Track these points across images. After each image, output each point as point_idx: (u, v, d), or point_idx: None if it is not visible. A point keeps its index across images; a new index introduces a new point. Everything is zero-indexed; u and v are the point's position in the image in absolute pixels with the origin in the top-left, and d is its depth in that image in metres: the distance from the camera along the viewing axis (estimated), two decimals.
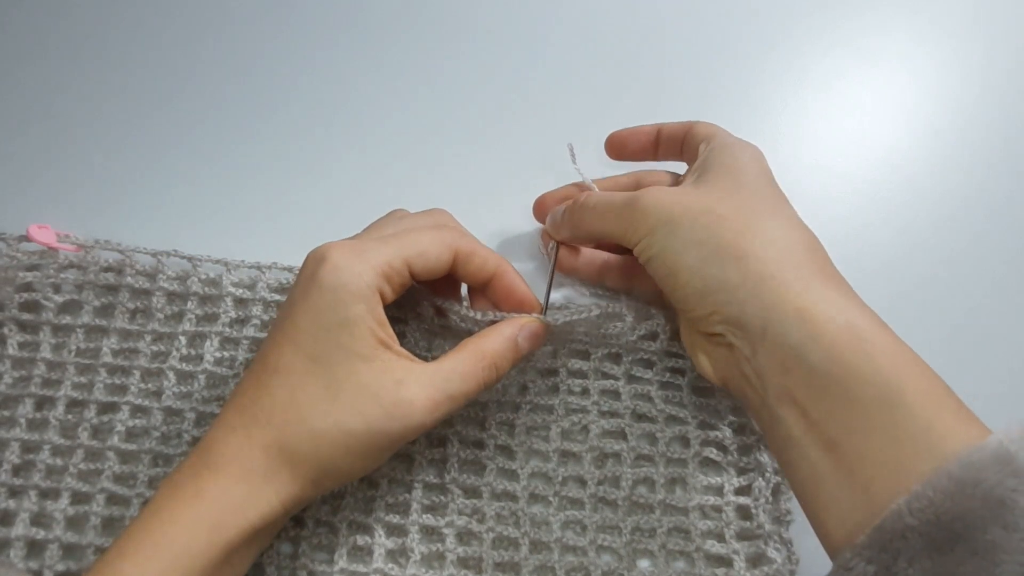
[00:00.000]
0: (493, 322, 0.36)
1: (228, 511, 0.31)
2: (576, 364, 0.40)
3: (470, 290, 0.39)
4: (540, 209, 0.43)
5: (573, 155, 0.40)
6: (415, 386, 0.32)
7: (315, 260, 0.33)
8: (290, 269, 0.41)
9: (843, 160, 0.47)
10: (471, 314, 0.37)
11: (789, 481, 0.32)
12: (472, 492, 0.38)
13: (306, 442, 0.31)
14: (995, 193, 0.46)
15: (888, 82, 0.49)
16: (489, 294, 0.37)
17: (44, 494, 0.38)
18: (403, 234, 0.35)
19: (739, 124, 0.47)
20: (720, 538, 0.37)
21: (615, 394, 0.39)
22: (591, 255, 0.42)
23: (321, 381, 0.32)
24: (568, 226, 0.39)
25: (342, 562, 0.37)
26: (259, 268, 0.41)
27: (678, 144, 0.40)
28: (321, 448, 0.31)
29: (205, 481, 0.31)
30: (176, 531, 0.30)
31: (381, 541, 0.37)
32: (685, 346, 0.37)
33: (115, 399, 0.39)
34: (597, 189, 0.40)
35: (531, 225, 0.44)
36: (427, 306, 0.38)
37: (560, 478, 0.38)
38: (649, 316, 0.39)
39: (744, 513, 0.38)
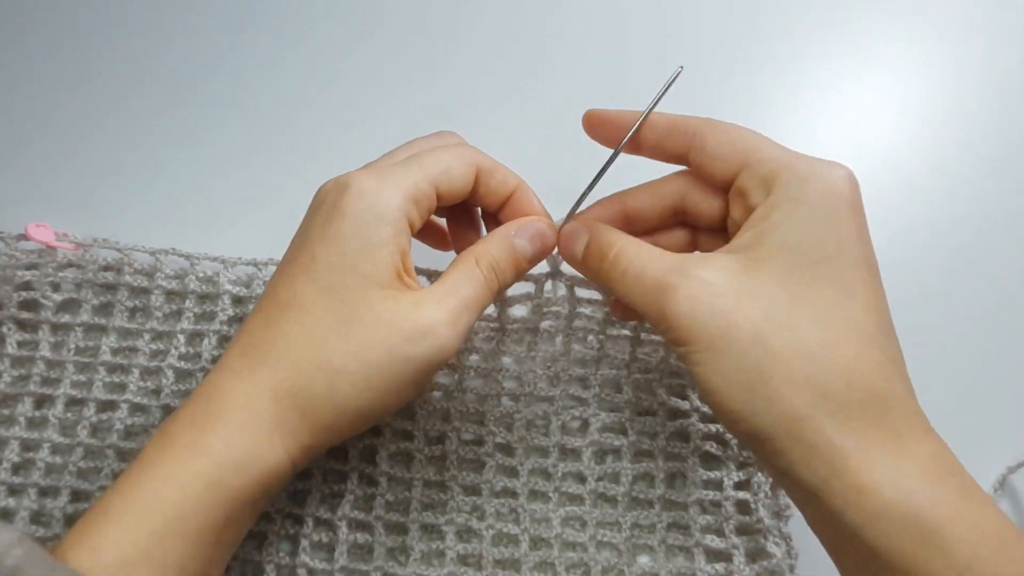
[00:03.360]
0: None
1: (230, 466, 0.28)
2: (577, 353, 0.39)
3: (484, 219, 0.37)
4: (599, 125, 0.34)
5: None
6: (431, 305, 0.30)
7: (337, 188, 0.30)
8: None
9: (843, 160, 0.47)
10: None
11: None
12: (472, 489, 0.38)
13: (321, 380, 0.29)
14: (995, 193, 0.46)
15: (888, 83, 0.49)
16: (504, 216, 0.34)
17: (44, 492, 0.38)
18: (424, 155, 0.32)
19: (739, 124, 0.47)
20: (720, 533, 0.37)
21: (616, 387, 0.39)
22: None
23: (336, 313, 0.29)
24: (587, 271, 0.33)
25: (342, 560, 0.37)
26: (256, 265, 0.41)
27: (672, 151, 0.33)
28: (338, 385, 0.29)
29: (204, 431, 0.28)
30: (169, 489, 0.27)
31: (381, 539, 0.37)
32: None
33: (114, 397, 0.39)
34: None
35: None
36: None
37: (560, 474, 0.38)
38: None
39: (743, 508, 0.38)
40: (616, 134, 0.33)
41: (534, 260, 0.34)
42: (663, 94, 0.32)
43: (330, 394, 0.29)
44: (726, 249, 0.30)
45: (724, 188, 0.32)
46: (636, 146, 0.33)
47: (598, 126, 0.34)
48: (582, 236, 0.33)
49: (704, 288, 0.28)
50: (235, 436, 0.28)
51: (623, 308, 0.35)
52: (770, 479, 0.38)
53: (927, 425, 0.27)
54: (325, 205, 0.31)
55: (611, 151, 0.33)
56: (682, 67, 0.32)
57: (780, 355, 0.27)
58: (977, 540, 0.25)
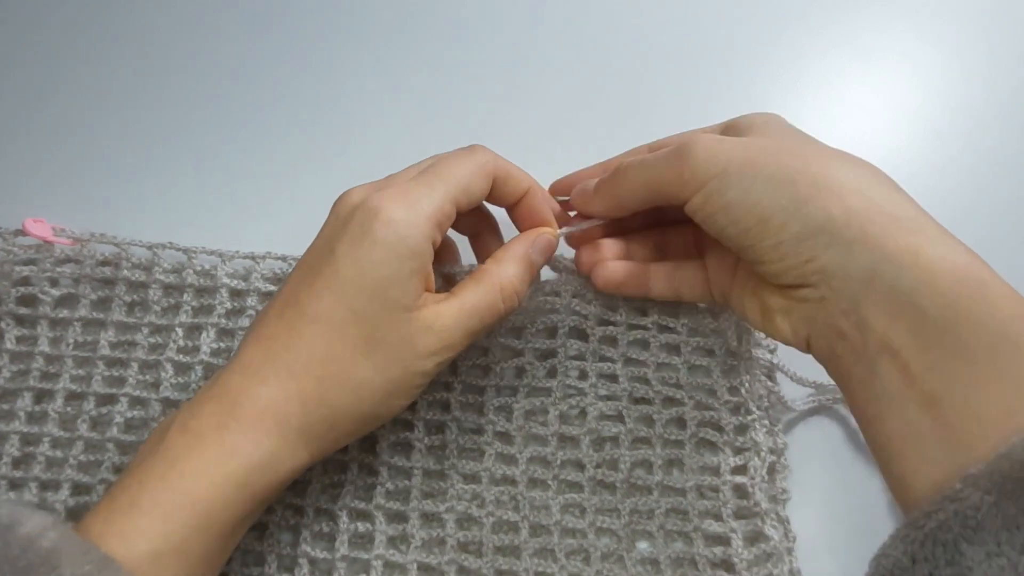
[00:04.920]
0: None
1: (257, 468, 0.29)
2: (574, 346, 0.40)
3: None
4: (561, 190, 0.39)
5: None
6: (447, 328, 0.32)
7: (366, 211, 0.31)
8: (284, 259, 0.41)
9: None
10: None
11: (870, 441, 0.29)
12: (471, 478, 0.38)
13: (348, 394, 0.31)
14: (996, 194, 0.46)
15: (887, 82, 0.49)
16: (514, 214, 0.37)
17: (44, 486, 0.38)
18: (442, 170, 0.33)
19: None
20: (718, 517, 0.37)
21: (612, 377, 0.40)
22: (632, 269, 0.38)
23: (362, 332, 0.31)
24: (606, 195, 0.36)
25: (343, 549, 0.37)
26: (254, 258, 0.42)
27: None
28: (362, 400, 0.31)
29: (233, 434, 0.29)
30: (200, 488, 0.28)
31: (382, 528, 0.37)
32: (748, 316, 0.34)
33: (113, 391, 0.39)
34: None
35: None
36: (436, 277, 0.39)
37: (559, 462, 0.38)
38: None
39: (741, 492, 0.38)
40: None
41: (542, 267, 0.37)
42: None
43: (356, 407, 0.31)
44: None
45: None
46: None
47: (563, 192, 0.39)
48: (591, 181, 0.37)
49: (716, 138, 0.32)
50: (265, 441, 0.30)
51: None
52: (766, 464, 0.38)
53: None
54: (353, 224, 0.31)
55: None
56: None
57: (809, 153, 0.30)
58: (1016, 301, 0.26)
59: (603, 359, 0.40)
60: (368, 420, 0.32)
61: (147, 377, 0.40)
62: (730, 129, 0.35)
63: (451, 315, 0.32)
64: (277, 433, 0.30)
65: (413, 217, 0.31)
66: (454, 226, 0.37)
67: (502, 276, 0.34)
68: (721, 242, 0.33)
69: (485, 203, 0.37)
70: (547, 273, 0.40)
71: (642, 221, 0.38)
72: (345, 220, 0.32)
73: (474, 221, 0.39)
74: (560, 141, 0.41)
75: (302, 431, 0.30)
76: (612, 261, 0.37)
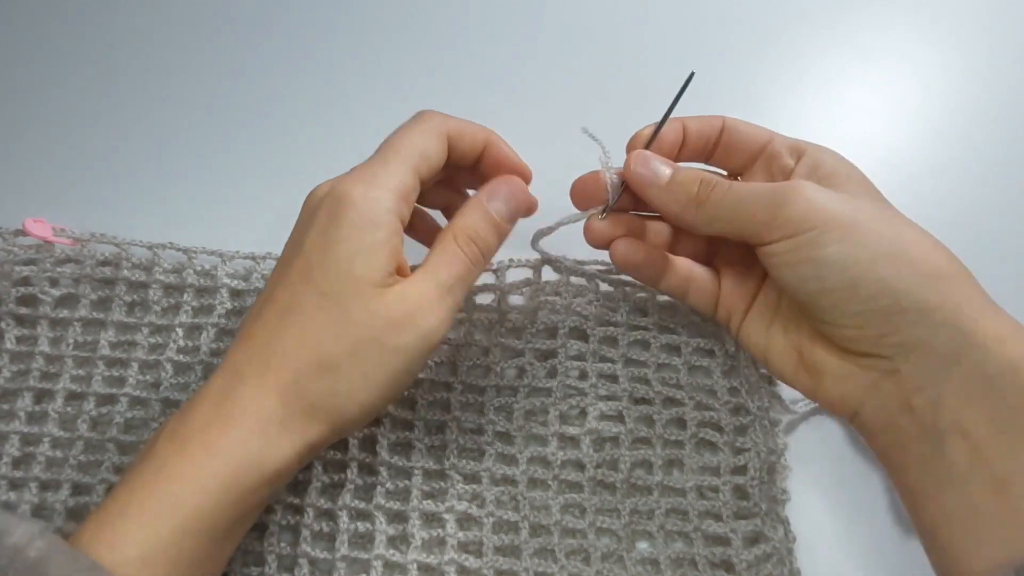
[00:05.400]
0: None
1: (243, 467, 0.29)
2: (575, 347, 0.40)
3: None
4: (583, 193, 0.37)
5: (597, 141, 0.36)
6: (413, 293, 0.31)
7: (330, 197, 0.31)
8: None
9: None
10: None
11: (921, 517, 0.30)
12: (472, 478, 0.38)
13: (323, 381, 0.30)
14: (995, 193, 0.46)
15: (887, 81, 0.50)
16: (482, 172, 0.36)
17: (44, 486, 0.38)
18: (395, 141, 0.33)
19: None
20: (718, 518, 0.37)
21: (613, 377, 0.40)
22: (652, 255, 0.37)
23: (332, 315, 0.30)
24: (676, 200, 0.34)
25: (343, 549, 0.37)
26: (254, 259, 0.42)
27: (710, 143, 0.37)
28: (338, 384, 0.30)
29: (216, 434, 0.29)
30: (186, 490, 0.28)
31: (382, 528, 0.37)
32: (774, 365, 0.35)
33: (113, 391, 0.39)
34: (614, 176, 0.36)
35: (531, 222, 0.43)
36: None
37: (559, 462, 0.38)
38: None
39: (741, 493, 0.38)
40: (596, 197, 0.36)
41: (513, 218, 0.35)
42: (679, 98, 0.36)
43: (332, 393, 0.30)
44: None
45: (742, 166, 0.37)
46: (679, 145, 0.37)
47: (584, 192, 0.37)
48: (665, 168, 0.35)
49: (818, 188, 0.31)
50: (248, 439, 0.29)
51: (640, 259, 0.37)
52: (766, 464, 0.38)
53: None
54: (320, 212, 0.31)
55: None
56: (693, 73, 0.36)
57: (905, 228, 0.31)
58: None
59: (603, 359, 0.40)
60: (348, 409, 0.31)
61: (147, 377, 0.40)
62: (804, 160, 0.34)
63: (419, 283, 0.31)
64: (259, 431, 0.30)
65: (373, 191, 0.31)
66: (426, 201, 0.37)
67: (454, 226, 0.33)
68: (788, 291, 0.33)
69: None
70: (549, 274, 0.40)
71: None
72: (313, 211, 0.32)
73: (444, 194, 0.38)
74: (561, 141, 0.41)
75: (284, 426, 0.30)
76: (633, 240, 0.36)
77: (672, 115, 0.36)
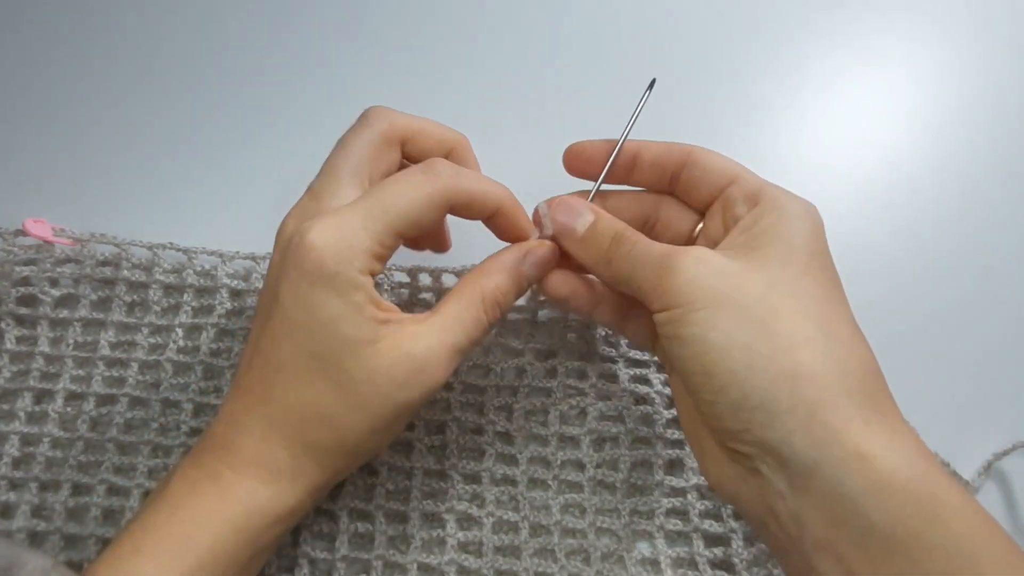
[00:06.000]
0: None
1: (255, 512, 0.30)
2: (575, 346, 0.40)
3: None
4: (578, 160, 0.35)
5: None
6: (424, 351, 0.30)
7: (297, 248, 0.29)
8: None
9: (843, 160, 0.47)
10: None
11: None
12: (471, 478, 0.38)
13: (328, 435, 0.30)
14: (994, 193, 0.46)
15: (888, 82, 0.50)
16: (490, 225, 0.34)
17: (44, 486, 0.38)
18: (387, 197, 0.30)
19: (740, 124, 0.48)
20: (718, 518, 0.37)
21: (613, 376, 0.40)
22: (578, 289, 0.35)
23: (330, 377, 0.30)
24: (588, 249, 0.32)
25: (344, 549, 0.37)
26: (254, 259, 0.42)
27: (667, 174, 0.34)
28: (345, 438, 0.31)
29: (228, 482, 0.30)
30: (201, 533, 0.29)
31: (382, 528, 0.37)
32: (689, 443, 0.32)
33: (113, 391, 0.39)
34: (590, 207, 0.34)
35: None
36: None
37: (559, 462, 0.38)
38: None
39: None
40: (596, 168, 0.35)
41: (537, 281, 0.34)
42: (640, 110, 0.35)
43: (339, 445, 0.31)
44: (722, 246, 0.31)
45: (704, 205, 0.34)
46: (629, 170, 0.35)
47: (576, 159, 0.35)
48: (585, 216, 0.33)
49: (711, 255, 0.29)
50: (259, 489, 0.30)
51: (594, 305, 0.35)
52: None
53: (900, 413, 0.28)
54: (288, 261, 0.30)
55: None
56: (655, 79, 0.34)
57: (784, 316, 0.27)
58: (970, 516, 0.25)
59: (604, 359, 0.40)
60: (356, 456, 0.32)
61: (147, 377, 0.40)
62: (753, 212, 0.31)
63: (431, 335, 0.31)
64: (270, 479, 0.30)
65: (346, 251, 0.29)
66: None
67: (484, 286, 0.32)
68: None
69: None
70: None
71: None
72: (283, 254, 0.31)
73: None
74: (563, 140, 0.41)
75: (294, 475, 0.31)
76: (565, 273, 0.34)
77: (632, 134, 0.34)
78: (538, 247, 0.33)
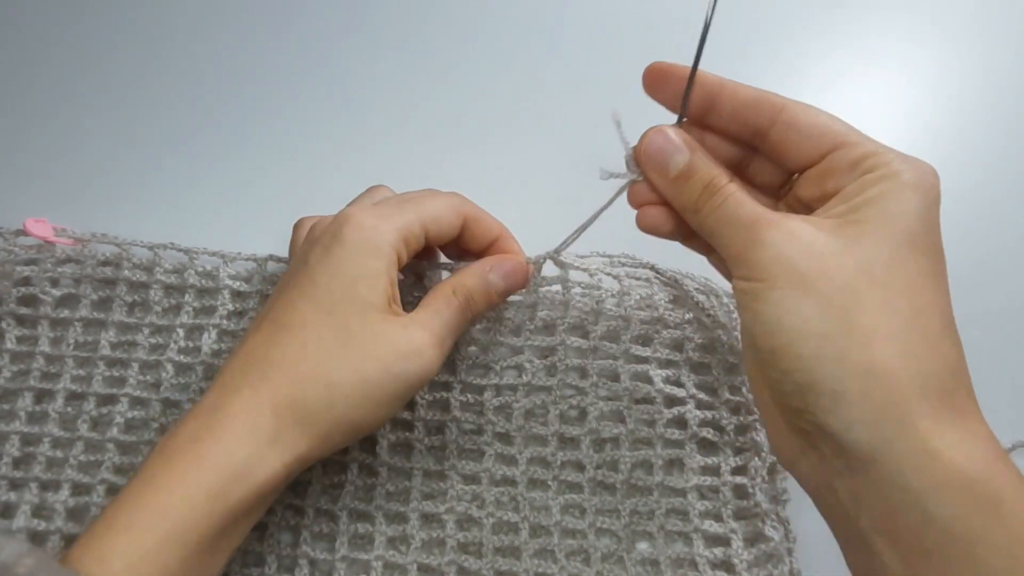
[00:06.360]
0: None
1: (230, 477, 0.29)
2: (575, 342, 0.40)
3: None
4: (661, 78, 0.31)
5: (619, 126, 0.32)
6: (420, 328, 0.33)
7: (336, 222, 0.33)
8: (286, 261, 0.42)
9: None
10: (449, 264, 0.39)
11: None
12: (471, 478, 0.38)
13: (320, 393, 0.31)
14: (995, 193, 0.46)
15: (888, 82, 0.50)
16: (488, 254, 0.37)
17: (45, 486, 0.38)
18: (418, 199, 0.35)
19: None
20: (718, 518, 0.37)
21: (614, 375, 0.40)
22: (672, 219, 0.32)
23: (335, 332, 0.31)
24: (694, 221, 0.30)
25: (343, 550, 0.37)
26: (256, 261, 0.42)
27: (751, 130, 0.31)
28: (335, 398, 0.31)
29: (205, 445, 0.30)
30: (172, 501, 0.29)
31: (382, 528, 0.37)
32: (755, 401, 0.31)
33: (114, 391, 0.39)
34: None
35: (538, 228, 0.40)
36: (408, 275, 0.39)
37: (559, 462, 0.38)
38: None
39: (741, 493, 0.38)
40: (679, 87, 0.31)
41: (506, 294, 0.37)
42: (707, 32, 0.30)
43: (328, 407, 0.31)
44: (818, 215, 0.28)
45: (798, 167, 0.30)
46: (708, 112, 0.31)
47: (658, 82, 0.31)
48: (680, 154, 0.30)
49: (803, 229, 0.27)
50: (235, 448, 0.30)
51: (661, 220, 0.32)
52: (767, 464, 0.38)
53: (981, 413, 0.27)
54: (325, 236, 0.33)
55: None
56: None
57: (869, 308, 0.26)
58: None
59: (605, 356, 0.40)
60: (341, 425, 0.31)
61: (148, 377, 0.40)
62: (860, 182, 0.28)
63: (420, 320, 0.33)
64: (249, 441, 0.30)
65: (382, 224, 0.33)
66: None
67: (454, 281, 0.35)
68: None
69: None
70: (550, 269, 0.40)
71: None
72: (318, 236, 0.34)
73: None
74: (565, 140, 0.41)
75: (274, 437, 0.30)
76: (663, 209, 0.32)
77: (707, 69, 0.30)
78: (506, 259, 0.36)
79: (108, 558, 0.28)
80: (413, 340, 0.32)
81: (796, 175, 0.31)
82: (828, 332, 0.26)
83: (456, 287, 0.35)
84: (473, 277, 0.35)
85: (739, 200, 0.29)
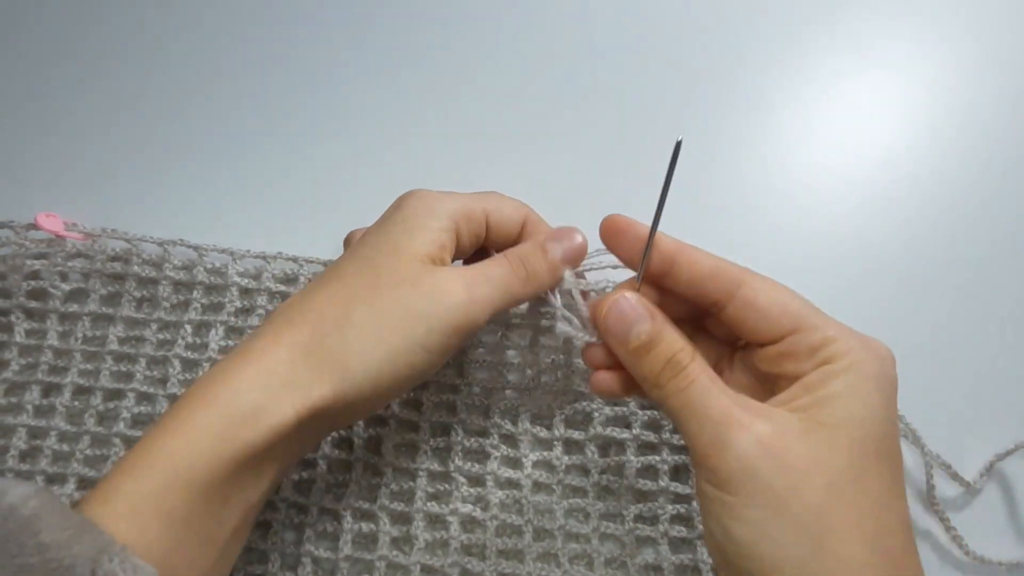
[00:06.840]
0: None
1: (237, 419, 0.28)
2: (579, 347, 0.40)
3: None
4: (617, 234, 0.31)
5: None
6: (448, 273, 0.32)
7: (404, 194, 0.34)
8: (295, 259, 0.42)
9: (843, 159, 0.47)
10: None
11: None
12: (476, 480, 0.38)
13: (336, 334, 0.30)
14: (995, 193, 0.46)
15: (888, 82, 0.50)
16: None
17: (51, 480, 0.38)
18: (483, 193, 0.36)
19: (740, 124, 0.48)
20: None
21: None
22: (629, 384, 0.32)
23: (365, 279, 0.31)
24: (654, 395, 0.30)
25: (347, 549, 0.37)
26: (264, 258, 0.42)
27: (709, 300, 0.30)
28: (349, 337, 0.30)
29: (216, 385, 0.29)
30: (178, 443, 0.28)
31: (386, 528, 0.37)
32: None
33: (121, 386, 0.40)
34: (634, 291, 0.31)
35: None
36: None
37: (564, 466, 0.38)
38: None
39: None
40: (635, 246, 0.31)
41: (567, 259, 0.34)
42: (671, 175, 0.29)
43: (342, 347, 0.30)
44: (780, 404, 0.28)
45: (755, 343, 0.30)
46: (665, 277, 0.31)
47: (615, 237, 0.31)
48: (642, 323, 0.30)
49: (773, 438, 0.26)
50: (245, 388, 0.29)
51: (609, 382, 0.32)
52: None
53: None
54: (388, 209, 0.34)
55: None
56: (681, 138, 0.28)
57: (840, 533, 0.25)
58: None
59: None
60: (356, 371, 0.30)
61: (155, 373, 0.40)
62: (822, 370, 0.28)
63: (455, 269, 0.32)
64: (260, 382, 0.29)
65: (444, 196, 0.34)
66: None
67: (510, 248, 0.34)
68: None
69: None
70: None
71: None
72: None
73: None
74: (567, 140, 0.41)
75: (287, 381, 0.29)
76: (605, 372, 0.32)
77: (661, 219, 0.30)
78: (563, 229, 0.35)
79: (113, 499, 0.27)
80: (438, 281, 0.31)
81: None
82: (803, 558, 0.25)
83: (509, 253, 0.34)
84: (527, 244, 0.34)
85: (704, 387, 0.28)
